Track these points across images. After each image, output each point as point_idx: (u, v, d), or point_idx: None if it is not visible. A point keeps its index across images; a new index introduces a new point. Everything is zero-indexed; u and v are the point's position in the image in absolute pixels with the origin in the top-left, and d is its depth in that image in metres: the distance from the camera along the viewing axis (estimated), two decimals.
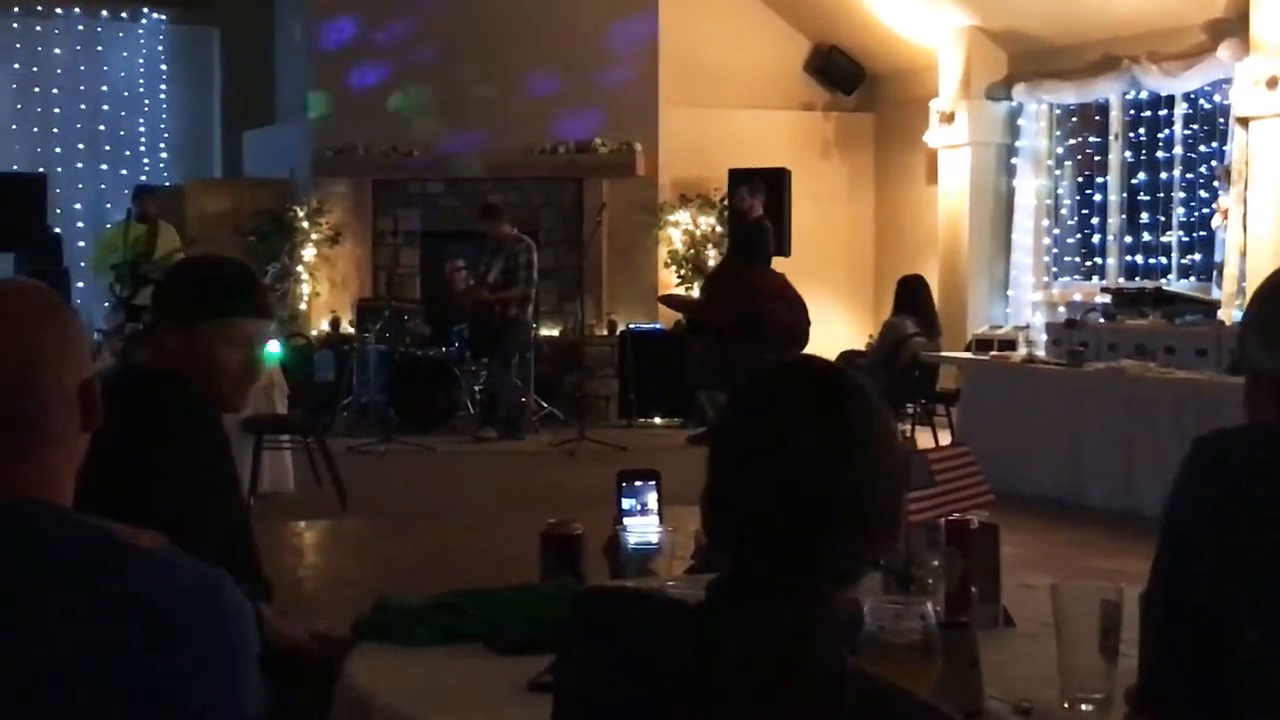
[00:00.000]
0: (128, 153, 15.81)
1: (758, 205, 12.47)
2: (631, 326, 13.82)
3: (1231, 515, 1.97)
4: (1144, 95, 12.84)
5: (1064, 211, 13.79)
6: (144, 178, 15.36)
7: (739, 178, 13.05)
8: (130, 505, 2.54)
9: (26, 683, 1.69)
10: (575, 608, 1.81)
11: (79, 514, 1.83)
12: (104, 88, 15.70)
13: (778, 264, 12.87)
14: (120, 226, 13.36)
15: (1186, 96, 12.49)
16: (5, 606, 1.71)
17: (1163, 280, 12.39)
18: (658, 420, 13.37)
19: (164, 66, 16.09)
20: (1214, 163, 12.16)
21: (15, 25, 15.36)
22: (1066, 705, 2.33)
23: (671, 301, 13.08)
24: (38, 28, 15.45)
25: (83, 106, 15.61)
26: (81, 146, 15.59)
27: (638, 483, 3.34)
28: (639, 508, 3.32)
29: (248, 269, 3.36)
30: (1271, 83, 11.06)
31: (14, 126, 15.29)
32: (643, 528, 3.20)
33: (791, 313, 3.13)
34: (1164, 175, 12.78)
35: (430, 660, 2.59)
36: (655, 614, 1.72)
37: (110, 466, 2.91)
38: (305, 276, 14.27)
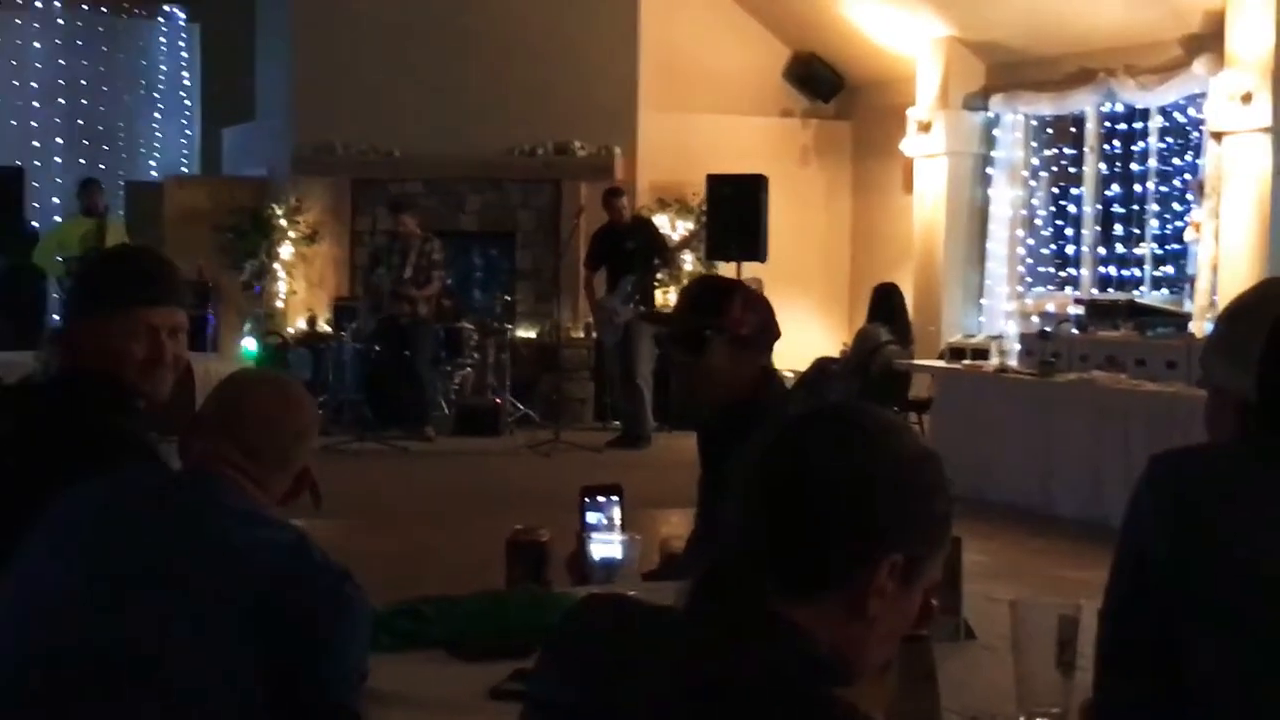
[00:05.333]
0: (106, 148, 15.76)
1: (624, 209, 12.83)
2: None
3: (1184, 535, 1.98)
4: (1119, 108, 12.89)
5: (1038, 222, 13.82)
6: (122, 173, 15.32)
7: (716, 183, 13.05)
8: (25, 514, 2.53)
9: (168, 600, 2.23)
10: (569, 614, 1.80)
11: (250, 501, 2.41)
12: (83, 82, 15.65)
13: (757, 270, 12.89)
14: (69, 221, 13.29)
15: (1161, 110, 12.54)
16: (174, 539, 2.29)
17: (1135, 292, 12.43)
18: None
19: (143, 61, 16.04)
20: (1188, 176, 12.20)
21: None
22: (1023, 719, 2.34)
23: (657, 319, 12.71)
24: (17, 21, 15.40)
25: (62, 101, 15.56)
26: (60, 141, 15.53)
27: (600, 498, 3.35)
28: (604, 522, 3.33)
29: (153, 256, 3.20)
30: (1245, 98, 11.10)
31: None
32: (607, 543, 3.20)
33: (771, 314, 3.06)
34: (1138, 188, 12.82)
35: (393, 666, 2.59)
36: (641, 625, 1.71)
37: (13, 476, 2.88)
38: (283, 275, 14.24)
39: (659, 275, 13.24)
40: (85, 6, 15.74)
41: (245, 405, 2.52)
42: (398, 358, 12.57)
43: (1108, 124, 13.14)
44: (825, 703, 1.55)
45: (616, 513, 3.34)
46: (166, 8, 16.20)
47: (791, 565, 1.63)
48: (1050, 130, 13.77)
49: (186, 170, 16.01)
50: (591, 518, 3.32)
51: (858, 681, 1.65)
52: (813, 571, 1.63)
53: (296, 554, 2.32)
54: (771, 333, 3.54)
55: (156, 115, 16.13)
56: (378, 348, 12.81)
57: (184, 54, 16.23)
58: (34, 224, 14.00)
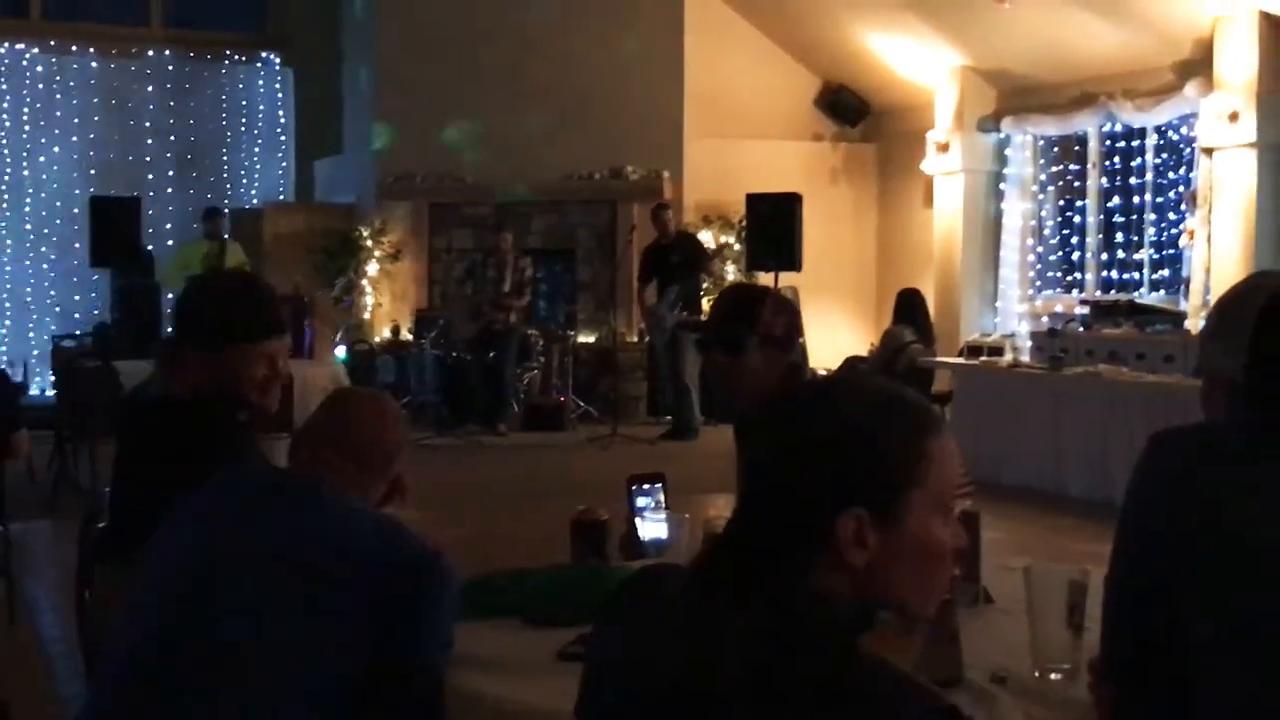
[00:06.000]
0: (212, 179, 15.87)
1: (670, 221, 12.84)
2: None
3: (1179, 506, 1.97)
4: (1119, 128, 12.80)
5: (1047, 232, 13.74)
6: (226, 201, 15.43)
7: (755, 201, 13.03)
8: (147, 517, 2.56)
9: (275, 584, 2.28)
10: (623, 584, 1.78)
11: (348, 499, 2.47)
12: (191, 121, 15.76)
13: (793, 279, 12.86)
14: (193, 244, 13.41)
15: (1157, 129, 12.45)
16: (287, 528, 2.36)
17: (1135, 293, 12.34)
18: None
19: (244, 102, 16.15)
20: (1182, 188, 12.11)
21: (113, 65, 15.46)
22: (1037, 675, 2.33)
23: (696, 327, 12.47)
24: (132, 68, 15.54)
25: (173, 138, 15.68)
26: (171, 173, 15.65)
27: (646, 485, 3.36)
28: (653, 505, 3.33)
29: (260, 291, 3.20)
30: (1233, 117, 11.02)
31: (112, 155, 15.38)
32: (656, 522, 3.20)
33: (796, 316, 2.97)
34: (1136, 199, 12.73)
35: (472, 632, 2.60)
36: (680, 594, 1.67)
37: (141, 486, 2.91)
38: (369, 290, 14.31)
39: (704, 284, 13.25)
40: (192, 54, 15.85)
41: (350, 422, 2.62)
42: (482, 361, 12.64)
43: (1108, 142, 13.05)
44: (842, 653, 1.49)
45: (661, 497, 3.36)
46: (264, 54, 16.30)
47: (770, 535, 1.57)
48: (1056, 149, 13.69)
49: (283, 198, 16.09)
50: (640, 503, 3.33)
51: (898, 613, 1.56)
52: (787, 540, 1.55)
53: (395, 538, 2.38)
54: (797, 332, 3.55)
55: (256, 149, 16.21)
56: (455, 354, 12.87)
57: (280, 95, 16.31)
58: (149, 247, 14.10)
